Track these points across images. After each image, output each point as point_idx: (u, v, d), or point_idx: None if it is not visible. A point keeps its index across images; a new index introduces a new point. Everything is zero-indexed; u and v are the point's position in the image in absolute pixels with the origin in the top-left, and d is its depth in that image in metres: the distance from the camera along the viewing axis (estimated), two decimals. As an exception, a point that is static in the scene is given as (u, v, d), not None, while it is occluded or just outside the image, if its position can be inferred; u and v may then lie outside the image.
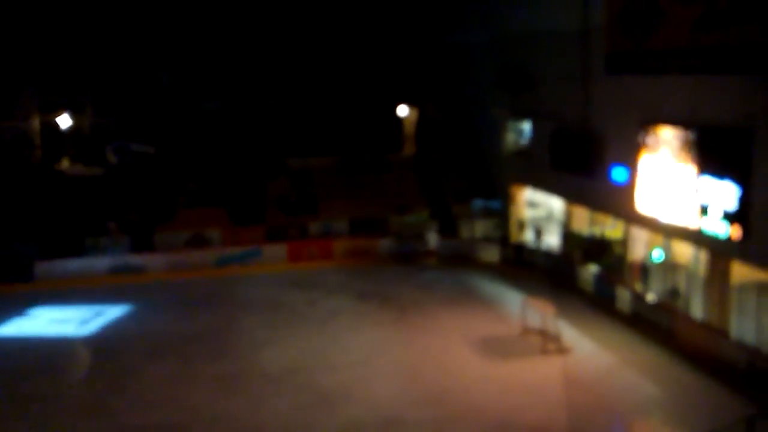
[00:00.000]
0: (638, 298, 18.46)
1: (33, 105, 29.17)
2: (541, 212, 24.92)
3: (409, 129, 33.00)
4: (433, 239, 25.60)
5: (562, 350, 16.63)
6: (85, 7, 27.65)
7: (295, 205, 27.46)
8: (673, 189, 16.85)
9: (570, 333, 17.54)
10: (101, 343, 18.01)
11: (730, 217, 15.01)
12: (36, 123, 29.30)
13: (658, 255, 18.83)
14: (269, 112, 31.47)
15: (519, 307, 18.52)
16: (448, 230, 26.11)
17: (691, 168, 16.22)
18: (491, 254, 24.69)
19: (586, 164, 20.52)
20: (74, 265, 23.51)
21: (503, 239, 25.20)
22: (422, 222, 26.44)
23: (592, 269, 20.63)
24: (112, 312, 20.17)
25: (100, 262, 23.82)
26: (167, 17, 29.54)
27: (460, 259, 24.72)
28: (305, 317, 19.63)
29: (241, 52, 31.07)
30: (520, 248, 24.40)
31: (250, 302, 20.95)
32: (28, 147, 28.89)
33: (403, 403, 14.29)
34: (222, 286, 22.72)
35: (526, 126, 24.91)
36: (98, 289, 22.25)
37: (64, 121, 28.77)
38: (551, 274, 22.13)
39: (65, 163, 29.60)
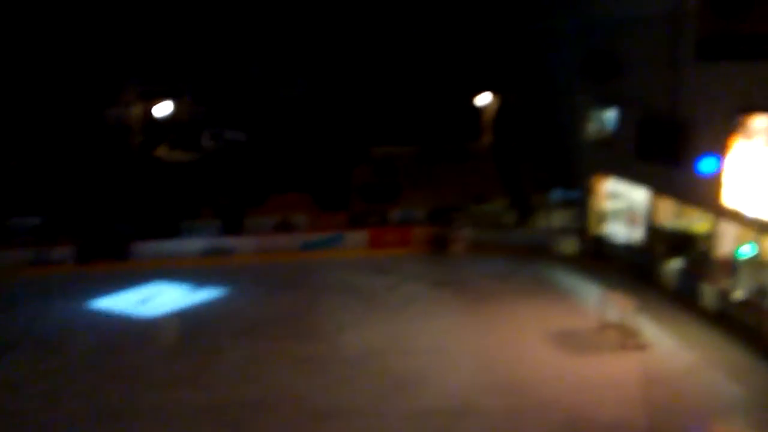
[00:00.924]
0: (724, 296, 17.82)
1: (135, 93, 30.84)
2: (622, 204, 24.29)
3: (489, 118, 32.74)
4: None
5: (641, 346, 16.31)
6: (185, 3, 29.02)
7: (377, 192, 27.90)
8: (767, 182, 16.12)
9: (650, 329, 17.17)
10: (192, 320, 19.00)
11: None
12: (137, 110, 30.98)
13: (747, 251, 18.08)
14: (354, 101, 32.00)
15: (597, 301, 18.27)
16: (526, 220, 25.88)
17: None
18: (569, 246, 24.32)
19: (673, 154, 19.81)
20: (168, 246, 24.78)
21: (582, 231, 24.76)
22: (500, 211, 26.31)
23: (676, 264, 20.02)
24: (203, 292, 21.21)
25: (192, 244, 24.97)
26: (258, 11, 30.50)
27: (537, 250, 24.50)
28: (383, 302, 20.03)
29: (327, 42, 31.66)
30: (600, 240, 23.91)
31: (332, 286, 21.53)
32: (129, 133, 30.62)
33: (475, 391, 14.41)
34: (306, 270, 23.42)
35: (610, 114, 24.28)
36: (190, 270, 23.37)
37: (164, 108, 30.26)
38: (632, 268, 21.63)
39: (163, 149, 31.18)
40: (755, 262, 17.78)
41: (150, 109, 30.76)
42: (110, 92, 30.51)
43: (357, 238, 25.74)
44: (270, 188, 27.86)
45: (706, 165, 18.48)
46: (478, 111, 32.77)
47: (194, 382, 15.20)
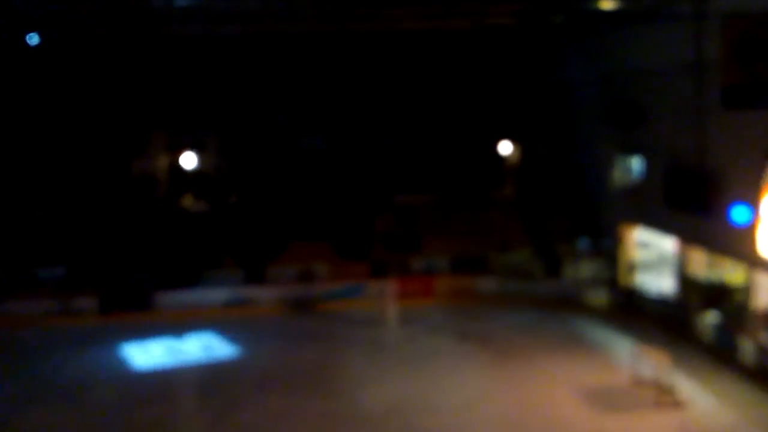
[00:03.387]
0: (764, 350, 17.08)
1: (162, 144, 31.28)
2: (652, 254, 23.72)
3: (512, 166, 32.60)
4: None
5: (677, 404, 15.59)
6: (210, 54, 29.53)
7: (400, 241, 27.67)
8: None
9: (686, 385, 16.44)
10: (213, 373, 18.71)
11: None
12: (164, 161, 31.36)
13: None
14: (377, 149, 32.12)
15: (629, 356, 17.62)
16: (552, 270, 25.39)
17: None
18: (598, 298, 23.71)
19: (702, 202, 19.33)
20: (190, 296, 24.69)
21: (612, 281, 24.17)
22: (525, 261, 25.86)
23: (711, 317, 19.34)
24: (224, 343, 20.97)
25: (214, 294, 24.88)
26: (282, 62, 30.98)
27: (564, 302, 23.91)
28: (406, 355, 19.60)
29: (350, 92, 31.99)
30: (630, 292, 23.29)
31: (353, 338, 21.15)
32: (155, 184, 30.94)
33: (504, 453, 13.86)
34: (326, 321, 23.10)
35: (635, 162, 23.96)
36: (212, 320, 23.18)
37: (189, 159, 30.65)
38: (665, 321, 20.96)
39: (188, 199, 31.40)
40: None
41: (176, 160, 31.07)
42: (137, 143, 30.96)
43: (379, 288, 25.36)
44: (290, 236, 27.78)
45: (738, 214, 17.99)
46: (501, 159, 32.67)
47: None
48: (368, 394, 16.84)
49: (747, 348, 17.59)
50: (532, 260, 25.93)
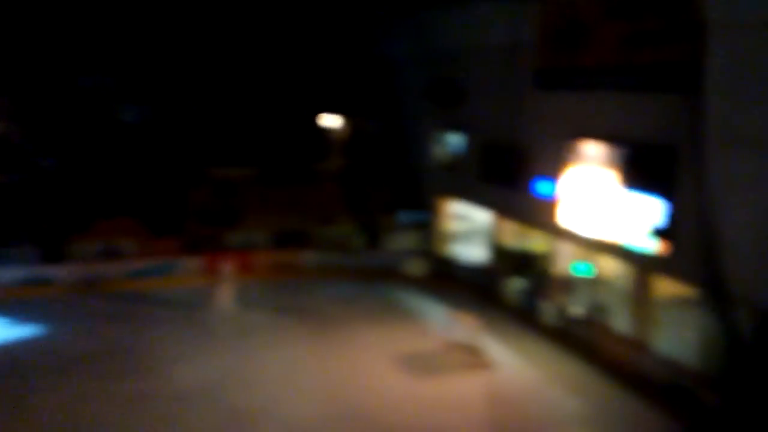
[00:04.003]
0: (563, 313, 18.34)
1: None
2: (468, 225, 24.70)
3: (336, 140, 32.36)
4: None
5: (487, 365, 16.26)
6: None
7: (216, 215, 26.29)
8: (600, 204, 16.86)
9: (495, 348, 17.20)
10: (7, 356, 16.70)
11: (656, 232, 15.07)
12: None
13: (582, 269, 18.82)
14: (192, 121, 30.25)
15: (443, 322, 18.10)
16: (373, 242, 25.55)
17: (618, 183, 16.27)
18: (417, 267, 24.24)
19: (513, 177, 20.46)
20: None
21: (429, 252, 24.82)
22: (346, 234, 25.76)
23: (518, 283, 20.46)
24: (19, 326, 18.71)
25: (9, 274, 22.08)
26: (86, 18, 27.98)
27: (385, 272, 24.16)
28: (221, 333, 18.69)
29: (162, 58, 29.79)
30: (447, 261, 24.06)
31: (165, 317, 19.82)
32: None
33: (322, 422, 13.63)
34: (135, 300, 21.45)
35: (455, 138, 24.74)
36: (6, 301, 20.67)
37: None
38: (477, 288, 21.87)
39: None
40: (590, 279, 18.52)
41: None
42: None
43: (192, 264, 24.09)
44: (95, 213, 25.29)
45: (542, 188, 19.14)
46: (325, 133, 32.32)
47: (8, 430, 13.13)
48: (182, 373, 15.88)
49: (548, 310, 18.79)
50: (354, 233, 25.88)
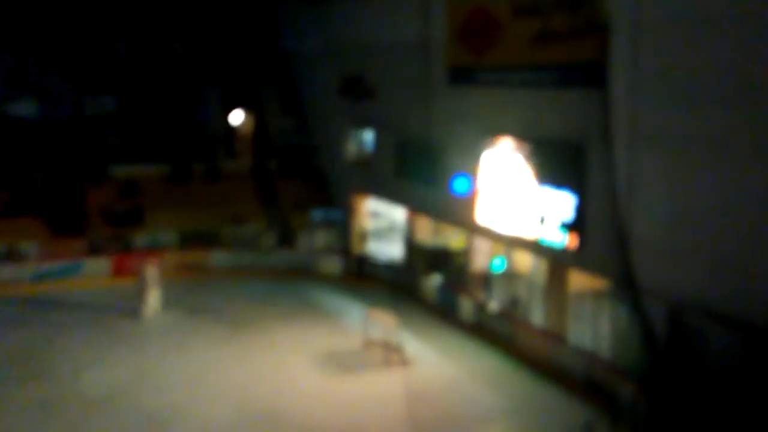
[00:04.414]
0: (480, 308, 18.49)
1: None
2: (383, 222, 24.55)
3: (245, 136, 31.46)
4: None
5: (405, 362, 16.09)
6: None
7: (120, 216, 24.98)
8: (513, 199, 17.09)
9: (413, 344, 17.05)
10: None
11: (566, 227, 15.41)
12: None
13: (498, 264, 19.04)
14: (92, 117, 28.59)
15: (360, 320, 17.85)
16: (287, 241, 24.98)
17: (530, 179, 16.54)
18: (332, 266, 23.87)
19: (428, 174, 20.45)
20: None
21: (344, 250, 24.51)
22: (258, 233, 25.06)
23: (435, 280, 20.49)
24: None
25: None
26: None
27: (299, 271, 23.64)
28: (129, 336, 17.83)
29: (61, 49, 28.01)
30: (362, 259, 23.84)
31: (70, 320, 18.87)
32: None
33: (236, 424, 13.17)
34: (38, 304, 20.34)
35: (369, 135, 24.55)
36: None
37: None
38: (394, 286, 21.74)
39: None
40: (506, 275, 18.77)
41: None
42: None
43: (98, 266, 23.01)
44: None
45: (458, 185, 19.20)
46: (233, 130, 31.38)
47: None
48: (90, 378, 15.27)
49: (466, 306, 18.90)
50: (266, 232, 25.21)
